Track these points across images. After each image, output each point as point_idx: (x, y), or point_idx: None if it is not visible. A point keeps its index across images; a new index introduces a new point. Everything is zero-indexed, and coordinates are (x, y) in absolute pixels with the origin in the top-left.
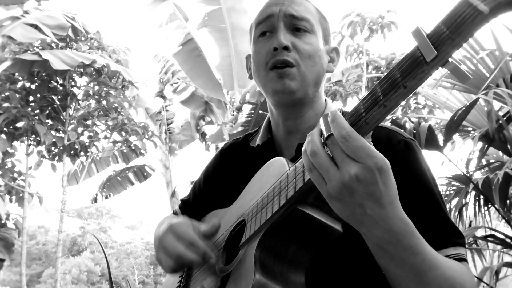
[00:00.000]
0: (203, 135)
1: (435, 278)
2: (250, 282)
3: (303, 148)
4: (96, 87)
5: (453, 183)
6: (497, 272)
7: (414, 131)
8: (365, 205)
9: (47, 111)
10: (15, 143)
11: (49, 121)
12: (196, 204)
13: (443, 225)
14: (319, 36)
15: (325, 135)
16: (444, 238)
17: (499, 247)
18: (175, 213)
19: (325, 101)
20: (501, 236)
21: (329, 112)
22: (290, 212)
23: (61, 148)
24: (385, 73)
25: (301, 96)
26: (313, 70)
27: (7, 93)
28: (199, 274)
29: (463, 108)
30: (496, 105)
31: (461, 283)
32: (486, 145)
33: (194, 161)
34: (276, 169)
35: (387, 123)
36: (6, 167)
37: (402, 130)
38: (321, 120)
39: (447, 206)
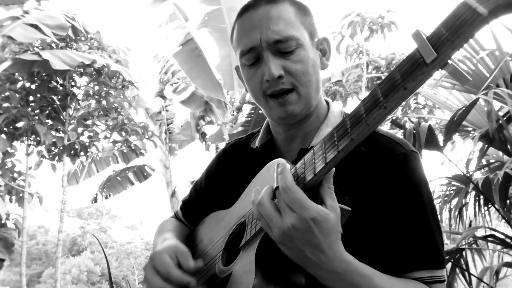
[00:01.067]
0: (203, 135)
1: None
2: (250, 283)
3: (253, 198)
4: (96, 87)
5: (453, 183)
6: (497, 272)
7: (414, 131)
8: (304, 250)
9: (47, 111)
10: (15, 143)
11: (49, 121)
12: (198, 203)
13: (424, 246)
14: (305, 43)
15: (274, 186)
16: (420, 260)
17: (499, 247)
18: (176, 215)
19: (327, 102)
20: (501, 236)
21: (279, 164)
22: None
23: (61, 148)
24: (385, 74)
25: (306, 112)
26: (311, 84)
27: (7, 93)
28: (199, 275)
29: (463, 108)
30: (496, 105)
31: None
32: (486, 145)
33: (194, 161)
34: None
35: (387, 123)
36: (6, 167)
37: (407, 142)
38: (275, 169)
39: (447, 206)
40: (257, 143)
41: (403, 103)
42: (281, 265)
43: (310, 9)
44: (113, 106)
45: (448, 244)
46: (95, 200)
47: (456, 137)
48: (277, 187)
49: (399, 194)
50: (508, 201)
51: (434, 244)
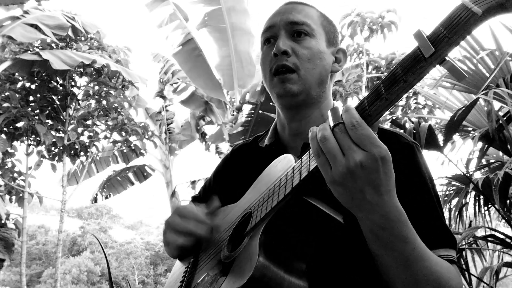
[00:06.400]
0: (203, 135)
1: (422, 269)
2: (253, 264)
3: (312, 134)
4: (96, 87)
5: (453, 183)
6: (497, 272)
7: (414, 131)
8: (365, 191)
9: (47, 111)
10: (15, 143)
11: (49, 121)
12: (206, 200)
13: (437, 226)
14: (320, 39)
15: (333, 124)
16: (436, 239)
17: (499, 247)
18: None
19: (333, 103)
20: (501, 236)
21: (338, 106)
22: (295, 201)
23: (61, 148)
24: (385, 74)
25: (304, 97)
26: (314, 72)
27: (7, 93)
28: (204, 263)
29: (463, 108)
30: (496, 105)
31: (447, 279)
32: (486, 145)
33: (194, 161)
34: (283, 164)
35: (387, 123)
36: (6, 167)
37: (407, 135)
38: (330, 112)
39: (447, 206)
40: (266, 141)
41: (403, 102)
42: (284, 250)
43: (335, 23)
44: (113, 106)
45: None
46: (95, 200)
47: (456, 137)
48: (336, 125)
49: (408, 180)
50: (508, 201)
51: (444, 225)
